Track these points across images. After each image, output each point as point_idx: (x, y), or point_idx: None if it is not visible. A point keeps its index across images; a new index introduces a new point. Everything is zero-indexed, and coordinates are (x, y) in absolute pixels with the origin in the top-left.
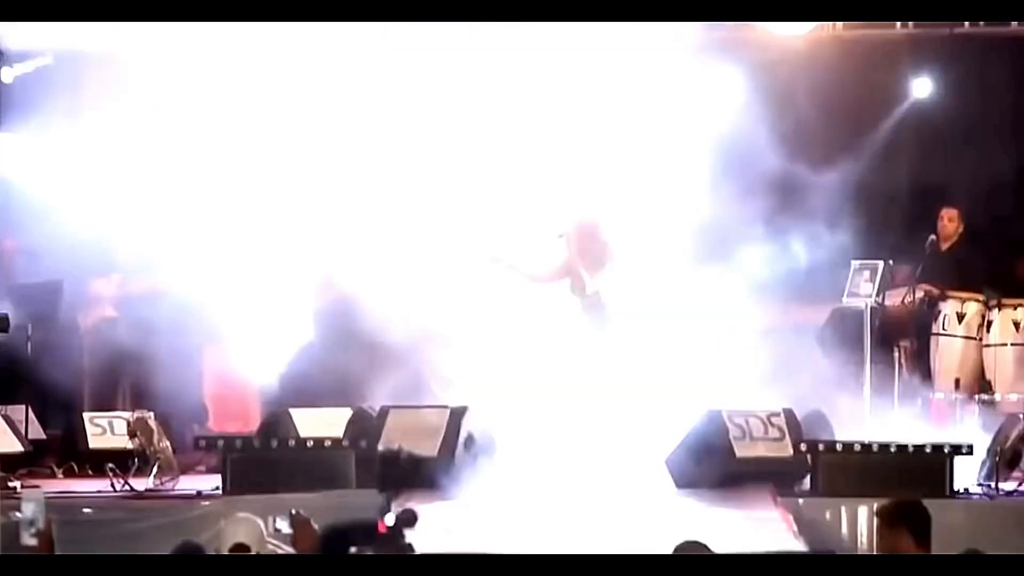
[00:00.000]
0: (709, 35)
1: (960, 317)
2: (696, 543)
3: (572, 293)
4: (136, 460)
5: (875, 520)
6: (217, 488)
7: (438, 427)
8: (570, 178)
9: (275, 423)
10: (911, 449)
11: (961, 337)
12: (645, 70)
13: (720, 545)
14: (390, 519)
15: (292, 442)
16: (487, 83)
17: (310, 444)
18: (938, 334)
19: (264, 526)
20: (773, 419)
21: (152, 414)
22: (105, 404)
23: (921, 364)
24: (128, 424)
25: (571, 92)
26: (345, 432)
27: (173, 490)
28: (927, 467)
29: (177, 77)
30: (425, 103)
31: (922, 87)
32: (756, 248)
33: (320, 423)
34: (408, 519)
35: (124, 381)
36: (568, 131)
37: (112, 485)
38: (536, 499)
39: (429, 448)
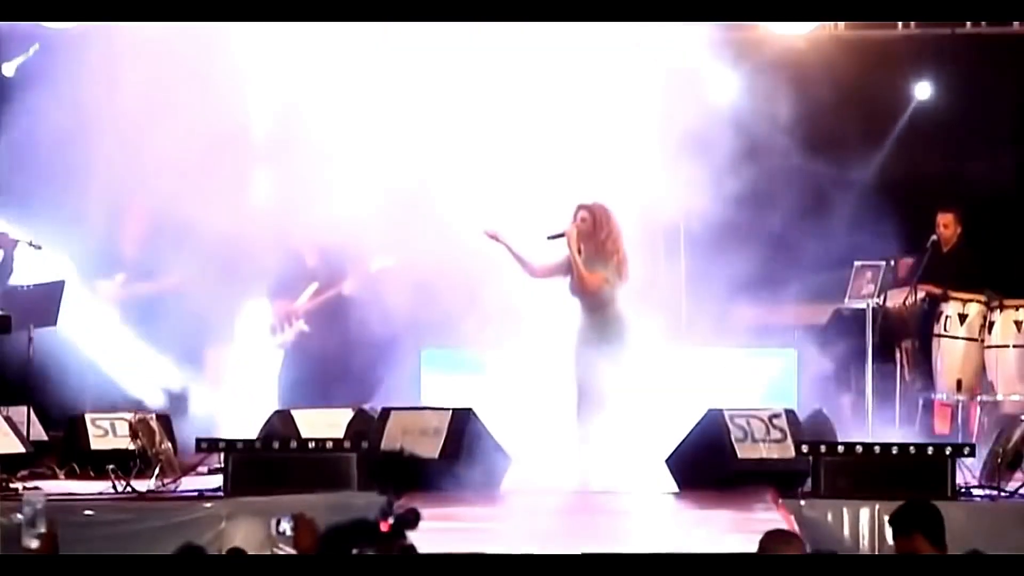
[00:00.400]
0: (709, 35)
1: (962, 318)
2: (784, 531)
3: (571, 294)
4: (138, 461)
5: (888, 528)
6: (219, 489)
7: (439, 428)
8: (570, 178)
9: (277, 424)
10: (912, 450)
11: (963, 338)
12: (645, 69)
13: (720, 545)
14: (391, 520)
15: (294, 443)
16: (497, 78)
17: (312, 445)
18: (940, 335)
19: (266, 527)
20: (774, 420)
21: (154, 415)
22: (107, 405)
23: (923, 365)
24: (130, 425)
25: (575, 91)
26: (346, 433)
27: (175, 491)
28: (928, 468)
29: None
30: (437, 96)
31: (922, 88)
32: (757, 247)
33: (322, 424)
34: (409, 520)
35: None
36: (569, 130)
37: (114, 486)
38: (536, 499)
39: (431, 449)
